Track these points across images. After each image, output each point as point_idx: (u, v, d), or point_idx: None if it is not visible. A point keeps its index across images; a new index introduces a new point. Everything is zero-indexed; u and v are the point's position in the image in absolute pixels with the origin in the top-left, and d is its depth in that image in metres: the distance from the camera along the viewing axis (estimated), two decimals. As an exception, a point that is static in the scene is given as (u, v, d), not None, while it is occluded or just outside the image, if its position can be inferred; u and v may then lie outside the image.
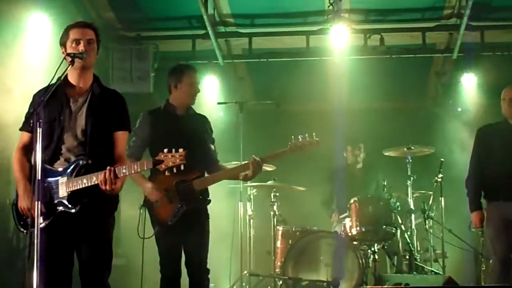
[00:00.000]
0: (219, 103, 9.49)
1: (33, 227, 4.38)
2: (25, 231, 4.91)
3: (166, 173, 4.64)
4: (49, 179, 4.86)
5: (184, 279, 6.14)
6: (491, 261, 7.15)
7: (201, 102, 9.52)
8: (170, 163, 4.59)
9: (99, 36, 5.12)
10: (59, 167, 4.89)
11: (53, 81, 4.74)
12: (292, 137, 6.37)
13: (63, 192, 4.80)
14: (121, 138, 5.09)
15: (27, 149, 4.96)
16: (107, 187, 4.69)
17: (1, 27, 7.72)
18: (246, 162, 6.46)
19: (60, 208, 4.82)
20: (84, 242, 4.89)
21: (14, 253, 7.90)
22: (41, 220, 4.71)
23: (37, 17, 7.91)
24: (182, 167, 4.61)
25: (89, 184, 4.74)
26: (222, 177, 6.38)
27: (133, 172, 4.79)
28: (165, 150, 4.63)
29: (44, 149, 4.82)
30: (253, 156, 6.25)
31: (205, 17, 9.11)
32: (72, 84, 5.04)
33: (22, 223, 4.96)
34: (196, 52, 10.09)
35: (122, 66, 9.66)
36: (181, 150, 4.61)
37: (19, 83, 7.44)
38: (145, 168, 4.79)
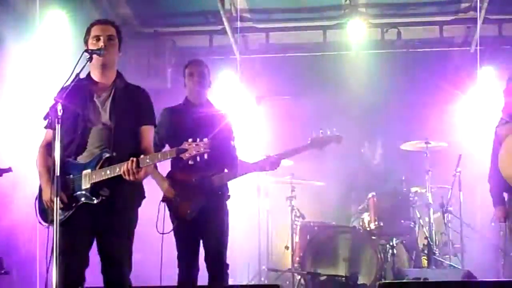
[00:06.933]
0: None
1: (53, 222, 4.38)
2: (46, 224, 4.85)
3: (190, 162, 4.61)
4: (73, 172, 4.86)
5: (204, 274, 6.15)
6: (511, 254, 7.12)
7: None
8: (194, 151, 4.55)
9: (120, 33, 5.11)
10: (83, 160, 4.89)
11: (72, 77, 4.73)
12: (313, 132, 6.31)
13: (86, 184, 4.79)
14: (147, 132, 5.07)
15: (51, 146, 4.94)
16: (131, 177, 4.68)
17: (19, 24, 7.76)
18: (266, 156, 6.42)
19: (82, 199, 4.81)
20: (105, 235, 4.87)
21: (35, 248, 7.93)
22: (61, 213, 4.73)
23: (55, 14, 7.93)
24: (206, 156, 4.59)
25: (112, 175, 4.72)
26: (240, 172, 6.31)
27: (156, 161, 4.79)
28: (190, 140, 4.61)
29: (68, 144, 4.87)
30: (269, 155, 6.23)
31: (221, 12, 9.13)
32: (95, 81, 5.05)
33: (43, 216, 4.94)
34: (213, 48, 10.11)
35: (139, 62, 9.68)
36: (205, 139, 4.60)
37: (37, 80, 7.46)
38: (169, 157, 4.77)
